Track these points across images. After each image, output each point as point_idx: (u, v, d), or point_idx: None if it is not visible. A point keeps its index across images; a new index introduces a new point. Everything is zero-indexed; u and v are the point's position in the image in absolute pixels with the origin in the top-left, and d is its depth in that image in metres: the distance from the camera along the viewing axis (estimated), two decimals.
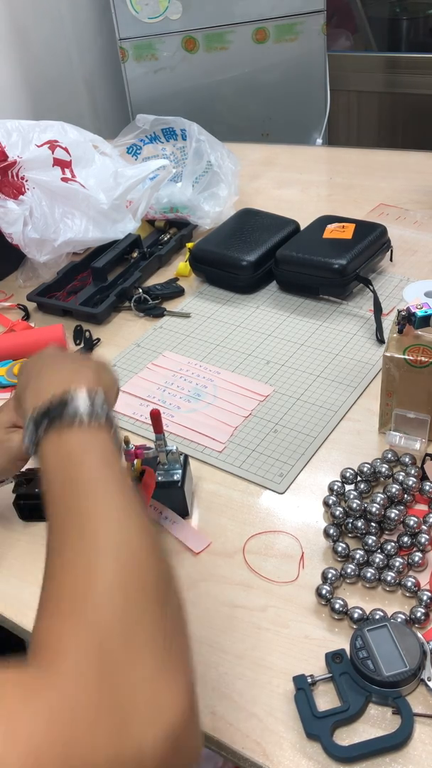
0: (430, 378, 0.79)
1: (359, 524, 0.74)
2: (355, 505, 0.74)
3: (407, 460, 0.79)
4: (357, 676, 0.61)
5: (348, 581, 0.71)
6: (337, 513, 0.75)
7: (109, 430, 0.54)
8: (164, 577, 0.45)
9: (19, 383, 0.64)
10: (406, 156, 1.60)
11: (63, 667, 0.39)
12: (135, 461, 0.79)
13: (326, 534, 0.75)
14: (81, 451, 0.51)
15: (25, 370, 0.64)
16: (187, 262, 1.25)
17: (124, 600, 0.42)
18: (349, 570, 0.70)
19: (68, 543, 0.46)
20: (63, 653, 0.40)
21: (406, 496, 0.76)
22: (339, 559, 0.73)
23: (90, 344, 1.11)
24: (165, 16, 1.87)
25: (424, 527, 0.73)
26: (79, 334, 1.14)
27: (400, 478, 0.77)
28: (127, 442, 0.80)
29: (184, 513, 0.80)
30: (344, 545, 0.73)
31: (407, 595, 0.69)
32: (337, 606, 0.67)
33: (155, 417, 0.75)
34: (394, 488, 0.75)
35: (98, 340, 1.13)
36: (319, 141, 2.12)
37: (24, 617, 0.72)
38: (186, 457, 0.80)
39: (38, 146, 1.22)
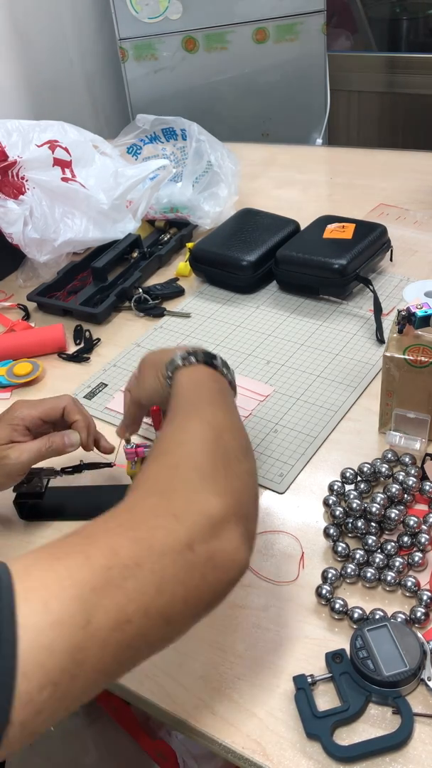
0: (430, 378, 0.79)
1: (359, 524, 0.74)
2: (355, 505, 0.74)
3: (407, 460, 0.79)
4: (357, 676, 0.61)
5: (348, 581, 0.71)
6: (337, 513, 0.75)
7: (226, 378, 0.70)
8: (237, 446, 0.59)
9: (151, 355, 0.76)
10: (406, 156, 1.60)
11: (137, 493, 0.53)
12: (135, 459, 0.79)
13: (326, 534, 0.75)
14: (209, 378, 0.67)
15: (141, 366, 0.77)
16: (187, 262, 1.25)
17: (200, 448, 0.56)
18: (349, 570, 0.70)
19: (177, 417, 0.61)
20: (141, 485, 0.54)
21: (406, 496, 0.76)
22: (339, 559, 0.73)
23: (90, 344, 1.11)
24: (165, 16, 1.87)
25: (424, 527, 0.73)
26: (79, 334, 1.14)
27: (400, 478, 0.77)
28: (127, 440, 0.80)
29: None
30: (344, 545, 0.73)
31: (407, 595, 0.69)
32: (337, 606, 0.67)
33: (155, 414, 0.75)
34: (394, 488, 0.75)
35: (98, 340, 1.13)
36: (319, 141, 2.12)
37: None
38: None
39: (38, 146, 1.22)
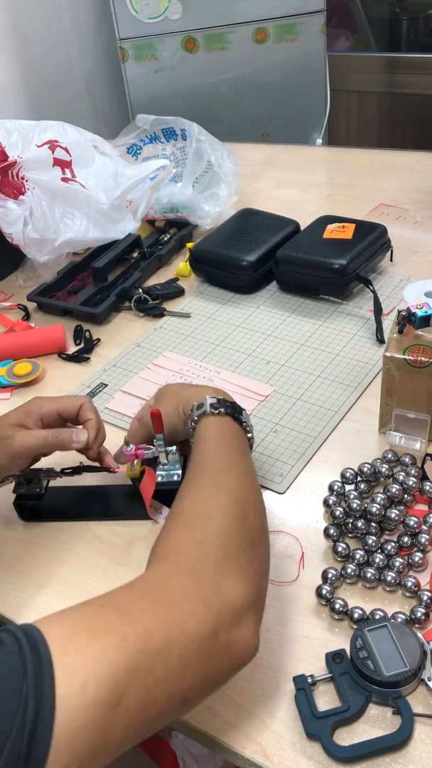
0: (430, 378, 0.79)
1: (359, 524, 0.74)
2: (355, 505, 0.74)
3: (407, 460, 0.79)
4: (357, 676, 0.61)
5: (348, 581, 0.71)
6: (338, 513, 0.75)
7: (250, 434, 0.73)
8: (261, 525, 0.62)
9: (169, 388, 0.78)
10: (406, 156, 1.60)
11: (167, 568, 0.55)
12: (135, 461, 0.79)
13: (326, 534, 0.75)
14: (235, 436, 0.69)
15: (160, 394, 0.78)
16: (187, 262, 1.24)
17: (228, 528, 0.58)
18: (349, 570, 0.70)
19: (201, 480, 0.63)
20: (169, 557, 0.56)
21: (406, 496, 0.76)
22: (339, 559, 0.73)
23: (90, 344, 1.11)
24: (165, 16, 1.87)
25: (424, 527, 0.73)
26: (79, 334, 1.14)
27: (400, 478, 0.77)
28: (127, 442, 0.80)
29: None
30: (344, 545, 0.73)
31: (407, 595, 0.69)
32: (337, 606, 0.67)
33: (156, 417, 0.75)
34: (395, 488, 0.75)
35: (98, 340, 1.13)
36: (319, 141, 2.12)
37: (24, 617, 0.72)
38: (186, 457, 0.80)
39: (38, 146, 1.22)
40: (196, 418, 0.70)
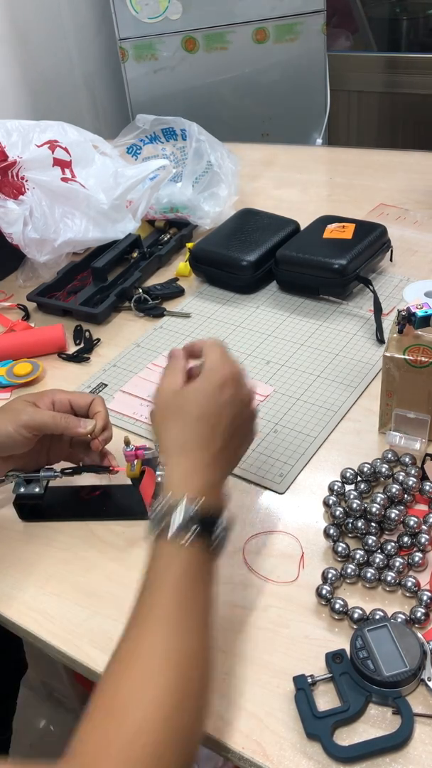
0: (430, 378, 0.79)
1: (359, 524, 0.74)
2: (355, 505, 0.74)
3: (407, 460, 0.79)
4: (357, 676, 0.61)
5: (348, 581, 0.71)
6: (337, 513, 0.75)
7: (219, 555, 0.61)
8: (199, 716, 0.53)
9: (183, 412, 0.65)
10: (406, 156, 1.60)
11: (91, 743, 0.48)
12: (135, 461, 0.79)
13: (326, 534, 0.75)
14: (192, 569, 0.58)
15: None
16: (187, 262, 1.24)
17: (160, 732, 0.49)
18: (349, 570, 0.70)
19: (135, 655, 0.53)
20: (91, 753, 0.48)
21: (406, 496, 0.76)
22: (339, 559, 0.73)
23: (90, 344, 1.11)
24: (165, 16, 1.87)
25: (424, 527, 0.73)
26: (79, 334, 1.14)
27: (400, 478, 0.77)
28: (127, 442, 0.80)
29: None
30: (344, 545, 0.73)
31: (407, 595, 0.69)
32: (337, 606, 0.67)
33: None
34: (394, 488, 0.75)
35: (98, 340, 1.13)
36: (319, 141, 2.12)
37: (24, 617, 0.72)
38: None
39: (38, 146, 1.22)
40: (157, 530, 0.59)
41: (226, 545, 0.61)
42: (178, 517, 0.58)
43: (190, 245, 1.27)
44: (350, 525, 0.74)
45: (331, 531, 0.74)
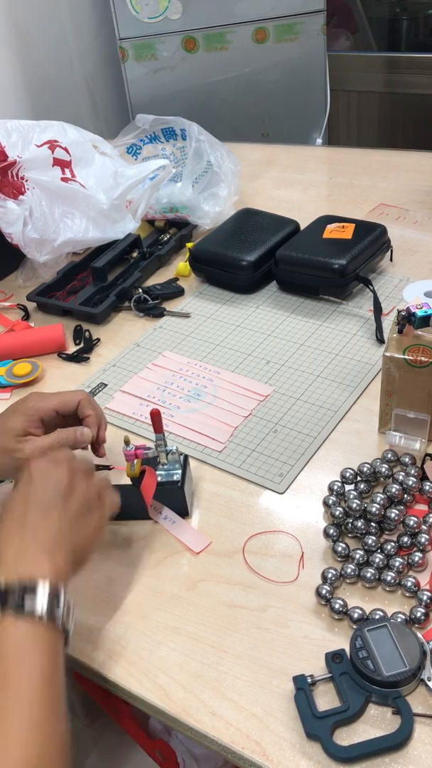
0: (430, 378, 0.79)
1: (359, 524, 0.74)
2: (355, 505, 0.74)
3: (407, 460, 0.79)
4: (357, 676, 0.61)
5: (348, 581, 0.71)
6: (337, 513, 0.75)
7: (62, 631, 0.53)
8: None
9: (9, 509, 0.61)
10: (406, 156, 1.60)
11: None
12: (135, 461, 0.79)
13: (326, 534, 0.75)
14: (20, 650, 0.50)
15: (17, 496, 0.61)
16: (187, 262, 1.24)
17: None
18: (349, 570, 0.70)
19: None
20: None
21: (406, 496, 0.76)
22: (339, 559, 0.73)
23: (90, 344, 1.11)
24: (165, 16, 1.87)
25: (424, 527, 0.73)
26: (79, 334, 1.14)
27: (400, 478, 0.77)
28: (127, 442, 0.80)
29: (184, 513, 0.80)
30: (344, 545, 0.73)
31: (407, 595, 0.69)
32: (337, 606, 0.67)
33: (155, 417, 0.75)
34: (394, 488, 0.75)
35: (98, 340, 1.13)
36: (319, 141, 2.12)
37: None
38: (186, 457, 0.80)
39: (38, 146, 1.22)
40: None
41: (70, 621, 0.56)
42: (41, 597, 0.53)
43: (190, 245, 1.27)
44: (350, 525, 0.74)
45: (331, 531, 0.74)
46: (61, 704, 0.50)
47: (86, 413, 0.79)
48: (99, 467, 0.82)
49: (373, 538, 0.72)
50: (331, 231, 1.18)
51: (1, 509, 0.65)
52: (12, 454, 0.74)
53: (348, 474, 0.80)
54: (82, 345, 1.12)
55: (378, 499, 0.74)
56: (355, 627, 0.66)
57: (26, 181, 1.20)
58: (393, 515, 0.73)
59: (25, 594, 0.52)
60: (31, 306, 1.22)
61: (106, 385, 1.03)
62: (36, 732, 0.47)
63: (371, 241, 1.15)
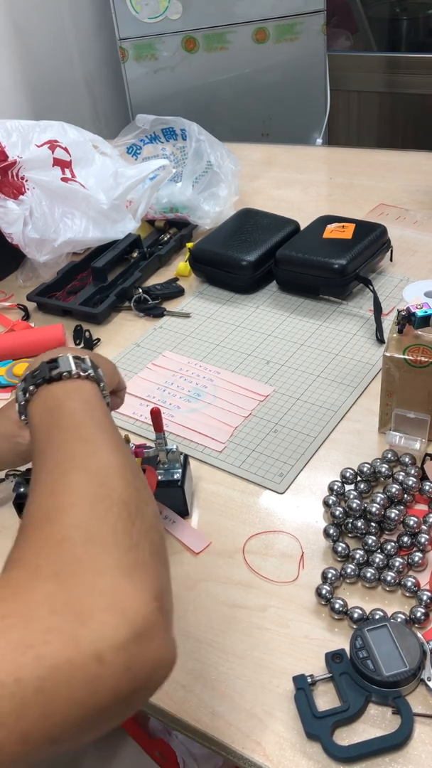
0: (430, 378, 0.79)
1: (359, 524, 0.74)
2: (355, 505, 0.74)
3: (407, 460, 0.79)
4: (357, 676, 0.61)
5: (348, 581, 0.71)
6: (337, 513, 0.75)
7: (96, 382, 0.58)
8: (135, 494, 0.47)
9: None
10: (406, 156, 1.60)
11: (22, 572, 0.41)
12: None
13: (326, 534, 0.75)
14: (63, 398, 0.55)
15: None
16: (187, 262, 1.25)
17: (90, 511, 0.44)
18: (349, 570, 0.70)
19: (43, 473, 0.48)
20: (24, 560, 0.42)
21: (406, 496, 0.76)
22: (339, 559, 0.73)
23: (90, 344, 1.11)
24: (165, 16, 1.87)
25: (424, 527, 0.73)
26: (79, 334, 1.14)
27: (400, 478, 0.77)
28: (127, 441, 0.80)
29: (184, 513, 0.80)
30: (344, 545, 0.73)
31: (407, 595, 0.69)
32: (337, 606, 0.67)
33: (155, 415, 0.75)
34: (394, 488, 0.75)
35: (98, 340, 1.13)
36: (319, 141, 2.12)
37: None
38: (186, 456, 0.80)
39: (38, 146, 1.22)
40: (23, 413, 0.58)
41: (99, 376, 0.60)
42: (71, 359, 0.58)
43: (190, 245, 1.27)
44: (350, 525, 0.74)
45: (331, 531, 0.74)
46: (111, 427, 0.54)
47: None
48: None
49: (373, 538, 0.72)
50: (331, 231, 1.18)
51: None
52: (13, 439, 0.75)
53: (348, 474, 0.80)
54: (82, 345, 1.12)
55: (378, 499, 0.74)
56: (355, 627, 0.66)
57: (26, 181, 1.20)
58: (393, 515, 0.73)
59: (51, 364, 0.57)
60: (31, 306, 1.22)
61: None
62: (123, 452, 0.51)
63: (371, 241, 1.15)
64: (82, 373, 0.57)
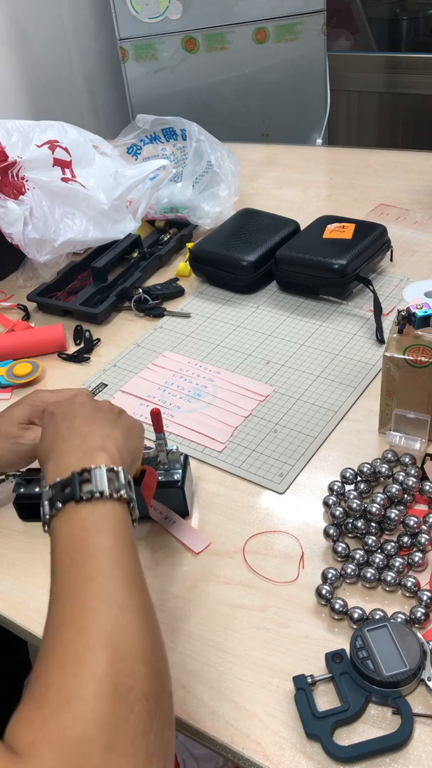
0: (430, 378, 0.79)
1: (359, 524, 0.74)
2: (355, 505, 0.74)
3: (407, 460, 0.79)
4: (357, 676, 0.61)
5: (348, 581, 0.71)
6: (337, 513, 0.75)
7: (127, 504, 0.54)
8: (157, 682, 0.44)
9: (45, 434, 0.61)
10: (406, 156, 1.60)
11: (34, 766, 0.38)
12: None
13: (326, 534, 0.75)
14: (92, 529, 0.51)
15: (53, 422, 0.62)
16: (187, 262, 1.25)
17: (111, 709, 0.41)
18: (349, 570, 0.70)
19: (62, 634, 0.45)
20: (38, 751, 0.39)
21: (406, 496, 0.76)
22: (339, 559, 0.73)
23: (90, 344, 1.11)
24: (165, 16, 1.87)
25: (424, 527, 0.73)
26: (79, 334, 1.14)
27: (400, 478, 0.77)
28: None
29: (184, 513, 0.80)
30: (344, 545, 0.73)
31: (407, 595, 0.69)
32: (337, 606, 0.67)
33: (156, 416, 0.75)
34: (394, 488, 0.75)
35: (98, 340, 1.13)
36: (319, 141, 2.12)
37: (24, 617, 0.72)
38: (186, 457, 0.80)
39: (38, 146, 1.22)
40: (46, 525, 0.53)
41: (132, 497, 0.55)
42: (101, 475, 0.53)
43: (190, 245, 1.27)
44: (350, 525, 0.74)
45: (331, 531, 0.74)
46: (138, 571, 0.50)
47: None
48: None
49: (373, 538, 0.72)
50: (332, 231, 1.18)
51: (32, 447, 0.72)
52: (14, 440, 0.75)
53: (348, 474, 0.80)
54: (82, 345, 1.12)
55: (378, 499, 0.74)
56: (355, 627, 0.66)
57: (26, 181, 1.20)
58: (393, 515, 0.73)
59: (83, 483, 0.52)
60: (31, 306, 1.22)
61: (106, 385, 1.03)
62: (148, 611, 0.48)
63: (371, 241, 1.15)
64: (114, 494, 0.52)
